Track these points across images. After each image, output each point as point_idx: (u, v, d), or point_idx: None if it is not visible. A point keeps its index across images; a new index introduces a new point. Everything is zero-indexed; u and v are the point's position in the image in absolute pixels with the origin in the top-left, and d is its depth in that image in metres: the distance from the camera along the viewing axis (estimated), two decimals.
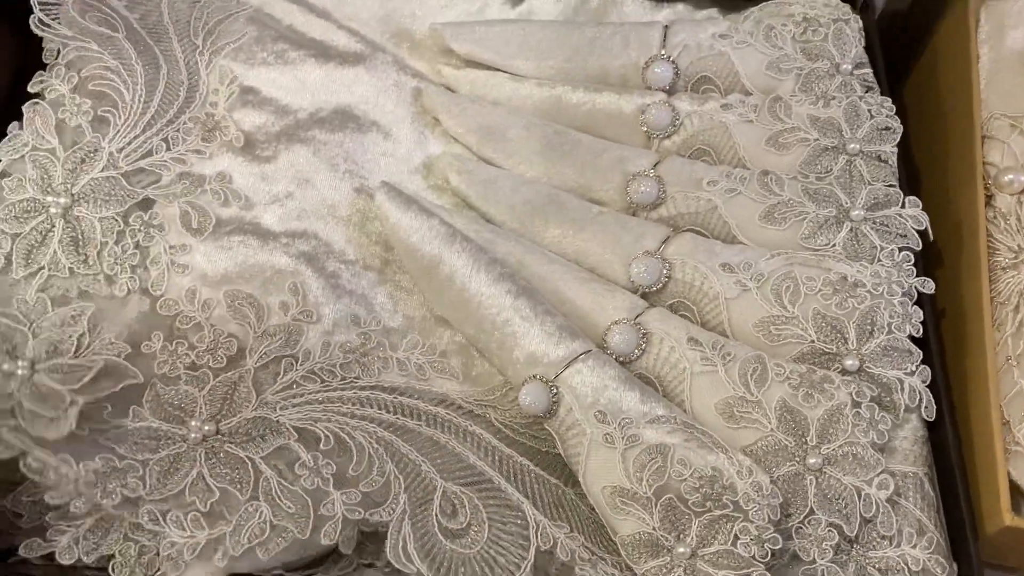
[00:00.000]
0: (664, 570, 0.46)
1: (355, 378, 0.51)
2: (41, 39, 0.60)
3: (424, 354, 0.54)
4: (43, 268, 0.53)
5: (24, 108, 0.56)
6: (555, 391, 0.50)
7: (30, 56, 0.61)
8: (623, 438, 0.48)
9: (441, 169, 0.61)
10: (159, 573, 0.46)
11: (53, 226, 0.53)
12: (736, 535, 0.46)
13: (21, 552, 0.46)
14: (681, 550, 0.46)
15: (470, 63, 0.66)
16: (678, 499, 0.46)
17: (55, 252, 0.53)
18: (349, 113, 0.61)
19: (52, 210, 0.53)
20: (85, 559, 0.46)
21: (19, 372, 0.47)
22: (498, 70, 0.65)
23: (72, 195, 0.54)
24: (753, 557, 0.45)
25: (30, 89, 0.57)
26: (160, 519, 0.45)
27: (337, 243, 0.57)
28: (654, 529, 0.46)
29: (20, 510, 0.48)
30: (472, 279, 0.53)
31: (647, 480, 0.47)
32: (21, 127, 0.56)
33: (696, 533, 0.46)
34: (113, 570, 0.46)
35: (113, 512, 0.45)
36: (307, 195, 0.58)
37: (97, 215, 0.54)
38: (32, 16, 0.59)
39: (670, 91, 0.62)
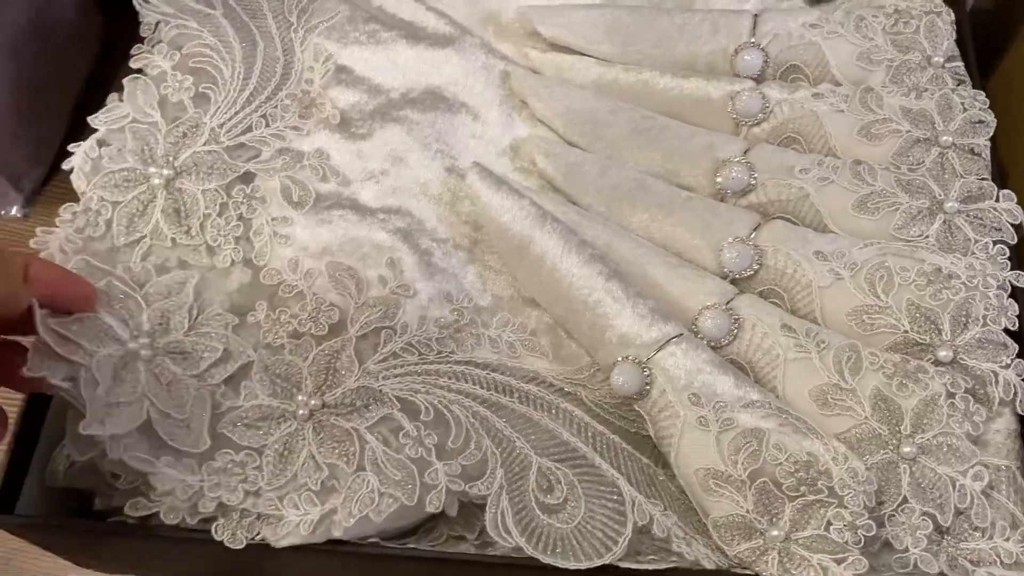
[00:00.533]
0: (757, 552, 0.46)
1: (450, 352, 0.52)
2: (134, 14, 0.61)
3: (515, 332, 0.54)
4: (144, 237, 0.53)
5: (125, 82, 0.57)
6: (648, 373, 0.50)
7: (116, 30, 0.62)
8: (718, 421, 0.48)
9: (528, 151, 0.61)
10: (259, 536, 0.47)
11: (155, 196, 0.54)
12: (829, 521, 0.46)
13: (127, 511, 0.47)
14: (775, 533, 0.46)
15: (555, 47, 0.66)
16: (772, 483, 0.47)
17: (157, 222, 0.53)
18: (439, 94, 0.62)
19: (155, 181, 0.54)
20: (189, 520, 0.47)
21: (143, 353, 0.47)
22: (584, 55, 0.65)
23: (175, 168, 0.55)
24: (847, 543, 0.45)
25: (132, 65, 0.59)
26: (279, 504, 0.46)
27: (429, 221, 0.57)
28: (747, 512, 0.47)
29: (118, 470, 0.50)
30: (563, 260, 0.53)
31: (742, 463, 0.47)
32: (120, 99, 0.57)
33: (789, 517, 0.46)
34: (216, 531, 0.47)
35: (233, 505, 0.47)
36: (401, 173, 0.58)
37: (200, 187, 0.54)
38: None
39: (758, 79, 0.62)
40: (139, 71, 0.59)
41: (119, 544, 0.51)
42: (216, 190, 0.55)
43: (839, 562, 0.45)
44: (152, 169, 0.55)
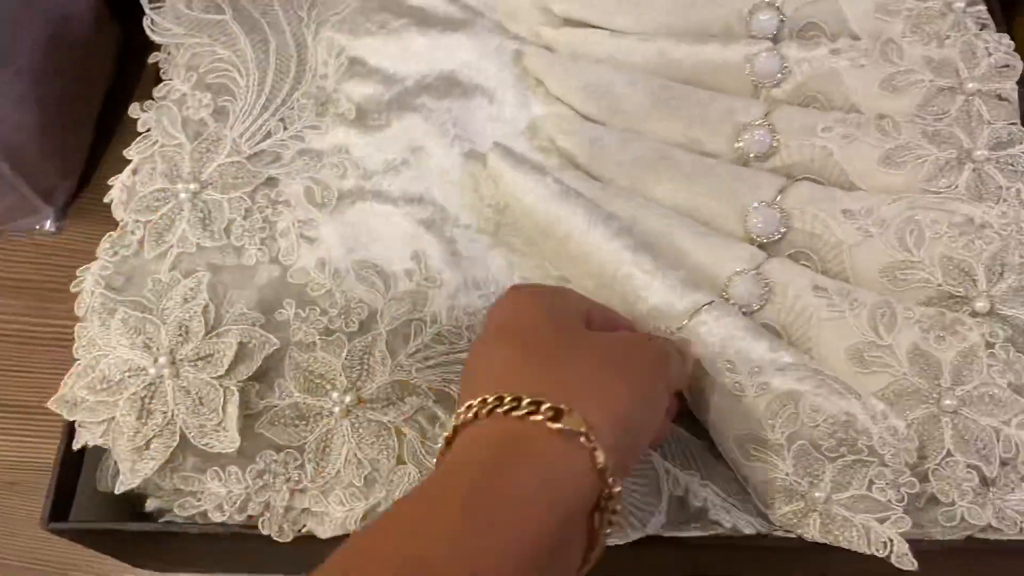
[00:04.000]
0: (800, 515, 0.46)
1: None
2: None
3: None
4: (172, 246, 0.54)
5: (151, 109, 0.59)
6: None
7: (132, 38, 0.62)
8: (753, 386, 0.48)
9: (546, 130, 0.61)
10: (304, 528, 0.48)
11: (182, 209, 0.55)
12: (871, 480, 0.45)
13: (176, 511, 0.49)
14: (817, 495, 0.46)
15: (569, 22, 0.65)
16: (812, 445, 0.46)
17: (183, 231, 0.55)
18: (454, 79, 0.62)
19: (182, 195, 0.56)
20: (237, 517, 0.48)
21: (166, 372, 0.49)
22: (598, 28, 0.65)
23: (200, 181, 0.56)
24: (889, 501, 0.45)
25: (155, 95, 0.60)
26: (324, 500, 0.47)
27: (452, 208, 0.57)
28: (787, 475, 0.46)
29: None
30: (589, 235, 0.53)
31: (779, 427, 0.47)
32: (142, 109, 0.59)
33: (830, 478, 0.46)
34: (262, 526, 0.48)
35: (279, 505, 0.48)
36: (421, 162, 0.58)
37: (225, 197, 0.56)
38: (144, 19, 0.61)
39: (775, 39, 0.61)
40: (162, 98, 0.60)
41: (173, 544, 0.52)
42: (241, 197, 0.56)
43: (882, 521, 0.44)
44: (179, 185, 0.56)
